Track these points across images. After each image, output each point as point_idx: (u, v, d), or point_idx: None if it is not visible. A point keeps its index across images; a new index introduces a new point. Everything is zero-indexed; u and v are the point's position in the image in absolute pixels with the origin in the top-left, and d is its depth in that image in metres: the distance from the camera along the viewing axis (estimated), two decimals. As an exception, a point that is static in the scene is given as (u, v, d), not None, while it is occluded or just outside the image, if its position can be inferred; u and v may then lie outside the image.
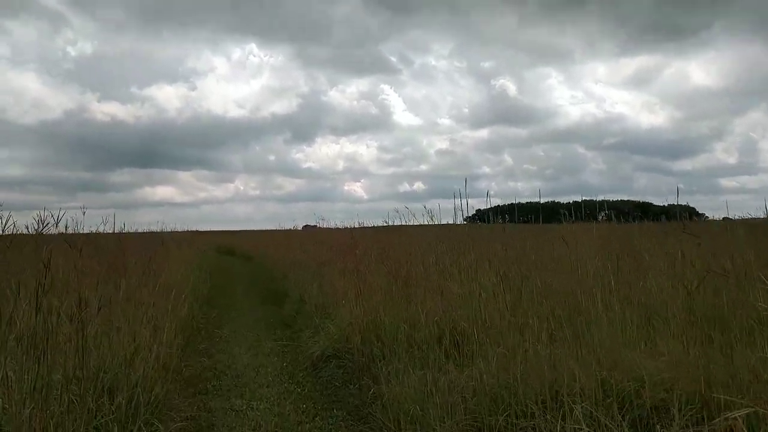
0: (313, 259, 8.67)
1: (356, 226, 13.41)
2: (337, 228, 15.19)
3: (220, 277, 14.76)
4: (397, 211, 10.22)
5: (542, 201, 6.38)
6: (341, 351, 5.83)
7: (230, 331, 8.33)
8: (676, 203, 6.09)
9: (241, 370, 6.14)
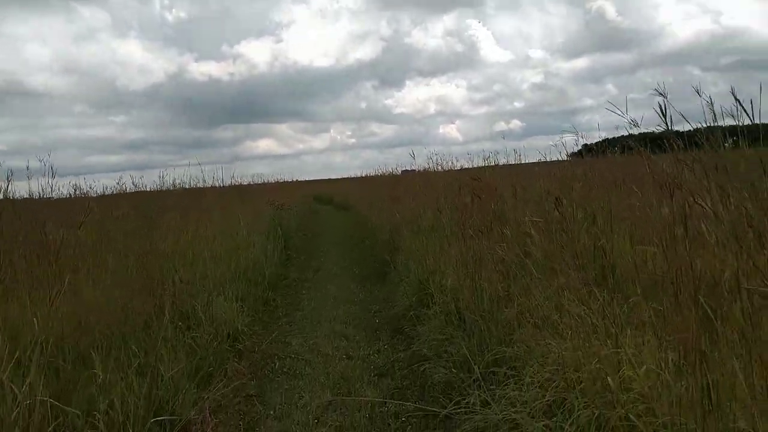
0: (448, 214, 4.66)
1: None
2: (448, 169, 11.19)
3: (305, 241, 11.29)
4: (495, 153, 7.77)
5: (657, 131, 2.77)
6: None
7: (303, 344, 4.72)
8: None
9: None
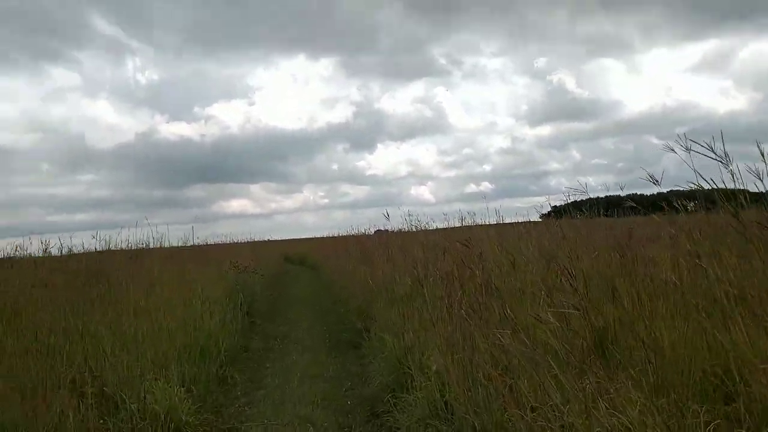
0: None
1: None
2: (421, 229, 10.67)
3: (271, 305, 10.55)
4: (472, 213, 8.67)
5: (623, 194, 3.86)
6: None
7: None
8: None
9: None
